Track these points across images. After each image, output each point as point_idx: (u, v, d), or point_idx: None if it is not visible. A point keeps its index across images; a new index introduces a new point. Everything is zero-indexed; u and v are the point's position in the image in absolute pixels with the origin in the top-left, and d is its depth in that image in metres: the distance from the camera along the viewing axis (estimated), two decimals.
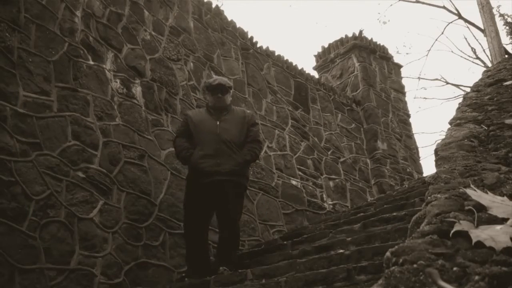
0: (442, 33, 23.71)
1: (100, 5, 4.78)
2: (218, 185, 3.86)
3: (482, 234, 0.84)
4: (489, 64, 11.76)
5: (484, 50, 14.95)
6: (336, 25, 30.62)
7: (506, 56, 8.65)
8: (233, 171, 3.89)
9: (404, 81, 9.96)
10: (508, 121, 1.79)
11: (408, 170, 8.43)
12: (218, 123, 4.03)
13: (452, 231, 0.87)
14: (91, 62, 4.46)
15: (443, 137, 1.85)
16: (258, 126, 4.35)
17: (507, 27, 13.68)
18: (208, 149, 3.90)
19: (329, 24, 31.53)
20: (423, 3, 14.74)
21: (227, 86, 4.20)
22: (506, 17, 13.89)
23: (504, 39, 12.96)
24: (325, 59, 9.26)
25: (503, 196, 1.07)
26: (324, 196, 6.68)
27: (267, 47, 7.19)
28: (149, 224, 4.35)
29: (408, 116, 9.53)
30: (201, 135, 3.99)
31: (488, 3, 9.83)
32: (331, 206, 6.68)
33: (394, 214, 3.74)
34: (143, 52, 5.10)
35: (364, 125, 8.27)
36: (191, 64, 5.68)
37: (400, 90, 9.58)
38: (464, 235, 0.85)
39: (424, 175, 8.36)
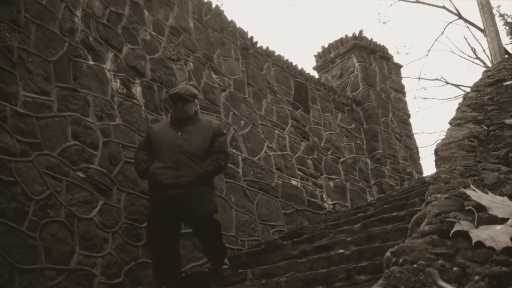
0: (442, 33, 23.79)
1: (100, 5, 4.78)
2: (178, 199, 3.59)
3: (482, 234, 0.84)
4: (489, 64, 11.76)
5: (484, 50, 14.97)
6: (336, 25, 30.65)
7: (506, 56, 8.66)
8: (193, 183, 3.61)
9: (404, 81, 9.98)
10: (508, 121, 1.79)
11: (408, 170, 8.44)
12: (179, 134, 3.80)
13: (452, 231, 0.87)
14: (91, 62, 4.46)
15: (443, 137, 1.85)
16: (225, 136, 4.04)
17: (507, 27, 13.69)
18: (168, 160, 3.68)
19: (329, 24, 31.56)
20: (423, 3, 14.75)
21: (187, 95, 3.86)
22: (506, 17, 13.91)
23: (504, 39, 12.97)
24: (325, 59, 9.27)
25: (503, 196, 1.07)
26: (324, 196, 6.69)
27: (267, 47, 7.19)
28: None
29: (408, 116, 9.54)
30: (161, 147, 3.76)
31: (488, 3, 9.83)
32: (331, 206, 6.68)
33: (394, 214, 3.74)
34: (143, 52, 5.10)
35: (364, 125, 8.28)
36: (191, 64, 5.68)
37: (400, 90, 9.59)
38: (464, 235, 0.85)
39: (424, 175, 8.37)
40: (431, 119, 30.37)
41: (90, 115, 4.25)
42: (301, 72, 7.61)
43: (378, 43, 9.39)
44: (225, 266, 3.77)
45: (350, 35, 9.11)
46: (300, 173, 6.50)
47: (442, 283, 0.69)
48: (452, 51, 22.51)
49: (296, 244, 4.03)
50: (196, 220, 3.73)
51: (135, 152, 4.09)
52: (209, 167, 3.71)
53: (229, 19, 6.67)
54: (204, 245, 3.91)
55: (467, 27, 14.95)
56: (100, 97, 4.41)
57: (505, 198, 1.05)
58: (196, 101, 4.03)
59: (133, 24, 5.11)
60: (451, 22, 15.52)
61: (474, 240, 0.82)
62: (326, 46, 9.40)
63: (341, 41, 9.13)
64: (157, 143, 3.80)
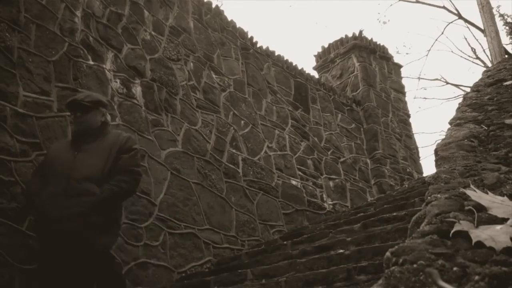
0: (442, 33, 23.92)
1: (100, 5, 4.78)
2: (61, 240, 2.82)
3: (482, 234, 0.84)
4: (489, 64, 11.76)
5: (484, 50, 14.99)
6: (336, 25, 30.67)
7: (506, 56, 8.65)
8: (83, 215, 2.82)
9: (404, 81, 9.99)
10: (508, 121, 1.79)
11: (408, 170, 8.44)
12: (76, 153, 3.05)
13: (452, 231, 0.87)
14: (91, 62, 4.46)
15: (443, 137, 1.85)
16: (134, 153, 3.15)
17: (507, 27, 13.69)
18: (56, 189, 2.91)
19: (329, 24, 31.59)
20: (423, 3, 14.77)
21: (87, 102, 3.13)
22: (506, 17, 13.91)
23: (504, 39, 12.99)
24: (325, 59, 9.27)
25: (503, 196, 1.07)
26: (324, 196, 6.69)
27: (267, 47, 7.19)
28: (149, 224, 4.35)
29: (408, 116, 9.54)
30: (52, 172, 3.01)
31: (488, 3, 9.83)
32: (331, 206, 6.68)
33: (394, 214, 3.74)
34: (143, 52, 5.10)
35: (364, 125, 8.28)
36: (191, 64, 5.68)
37: (400, 90, 9.59)
38: (464, 235, 0.85)
39: (424, 175, 8.37)
40: (431, 119, 30.42)
41: None
42: (301, 72, 7.61)
43: (378, 43, 9.39)
44: None
45: (350, 35, 9.12)
46: (300, 173, 6.50)
47: (442, 283, 0.69)
48: (452, 51, 22.65)
49: (296, 244, 4.03)
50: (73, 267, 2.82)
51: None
52: (105, 193, 2.91)
53: (229, 19, 6.68)
54: None
55: (467, 27, 14.99)
56: None
57: (505, 198, 1.05)
58: (103, 110, 3.24)
59: (133, 24, 5.11)
60: (451, 22, 15.56)
61: (474, 240, 0.82)
62: (326, 46, 9.40)
63: (341, 41, 9.14)
64: (48, 167, 3.07)
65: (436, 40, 23.79)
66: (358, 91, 8.56)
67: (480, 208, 0.99)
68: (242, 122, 6.01)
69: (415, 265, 0.74)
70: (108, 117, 3.31)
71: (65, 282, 2.81)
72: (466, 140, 1.66)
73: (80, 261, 2.80)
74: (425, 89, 23.76)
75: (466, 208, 1.00)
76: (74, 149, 3.09)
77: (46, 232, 2.89)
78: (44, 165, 3.16)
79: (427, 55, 18.41)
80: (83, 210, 2.83)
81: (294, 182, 6.32)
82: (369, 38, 9.25)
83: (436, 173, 1.38)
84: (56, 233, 2.82)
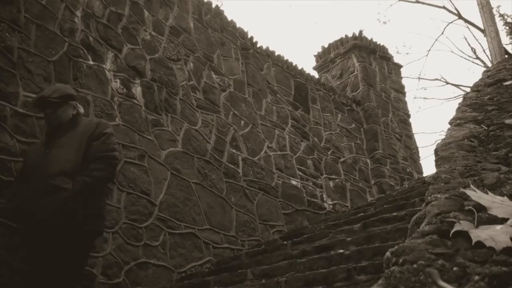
0: (442, 33, 23.98)
1: (100, 5, 4.78)
2: (40, 240, 2.86)
3: (482, 234, 0.84)
4: (489, 64, 11.77)
5: (484, 50, 15.01)
6: (336, 25, 30.69)
7: (506, 56, 8.65)
8: (56, 216, 2.79)
9: (404, 81, 9.99)
10: (508, 121, 1.79)
11: (408, 170, 8.44)
12: (48, 150, 3.01)
13: (452, 231, 0.87)
14: (91, 62, 4.46)
15: (443, 137, 1.85)
16: (107, 137, 3.07)
17: (507, 27, 13.70)
18: (34, 187, 2.90)
19: (329, 24, 31.62)
20: (423, 3, 14.77)
21: (54, 98, 3.09)
22: (506, 17, 13.93)
23: (504, 39, 13.00)
24: (325, 59, 9.27)
25: (503, 196, 1.07)
26: (324, 196, 6.69)
27: (267, 47, 7.19)
28: (149, 224, 4.35)
29: (408, 116, 9.54)
30: (30, 171, 3.02)
31: (488, 3, 9.84)
32: (331, 206, 6.68)
33: (394, 214, 3.74)
34: (143, 52, 5.10)
35: (364, 125, 8.28)
36: (191, 64, 5.68)
37: (400, 90, 9.59)
38: (464, 235, 0.85)
39: (424, 175, 8.37)
40: (431, 119, 30.44)
41: (90, 115, 4.25)
42: (301, 72, 7.61)
43: (378, 43, 9.39)
44: None
45: (350, 35, 9.12)
46: (300, 173, 6.50)
47: (442, 283, 0.69)
48: (452, 51, 22.69)
49: (296, 244, 4.03)
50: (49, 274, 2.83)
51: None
52: (78, 186, 2.84)
53: (229, 19, 6.68)
54: None
55: (467, 27, 15.00)
56: (100, 97, 4.41)
57: (505, 198, 1.05)
58: (74, 102, 3.19)
59: (133, 24, 5.11)
60: (451, 22, 15.59)
61: (474, 240, 0.82)
62: (326, 46, 9.41)
63: (341, 41, 9.14)
64: (27, 168, 3.10)
65: (436, 40, 23.88)
66: (358, 91, 8.56)
67: (480, 208, 0.99)
68: (242, 122, 6.01)
69: (415, 265, 0.74)
70: (81, 109, 3.25)
71: (49, 274, 2.82)
72: (466, 140, 1.66)
73: (61, 255, 2.80)
74: (425, 89, 23.84)
75: (466, 208, 1.00)
76: (46, 146, 3.07)
77: (30, 230, 2.94)
78: (24, 165, 3.18)
79: (427, 55, 18.44)
80: (53, 212, 2.78)
81: (294, 182, 6.32)
82: (369, 38, 9.25)
83: (436, 173, 1.38)
84: (40, 233, 2.85)
